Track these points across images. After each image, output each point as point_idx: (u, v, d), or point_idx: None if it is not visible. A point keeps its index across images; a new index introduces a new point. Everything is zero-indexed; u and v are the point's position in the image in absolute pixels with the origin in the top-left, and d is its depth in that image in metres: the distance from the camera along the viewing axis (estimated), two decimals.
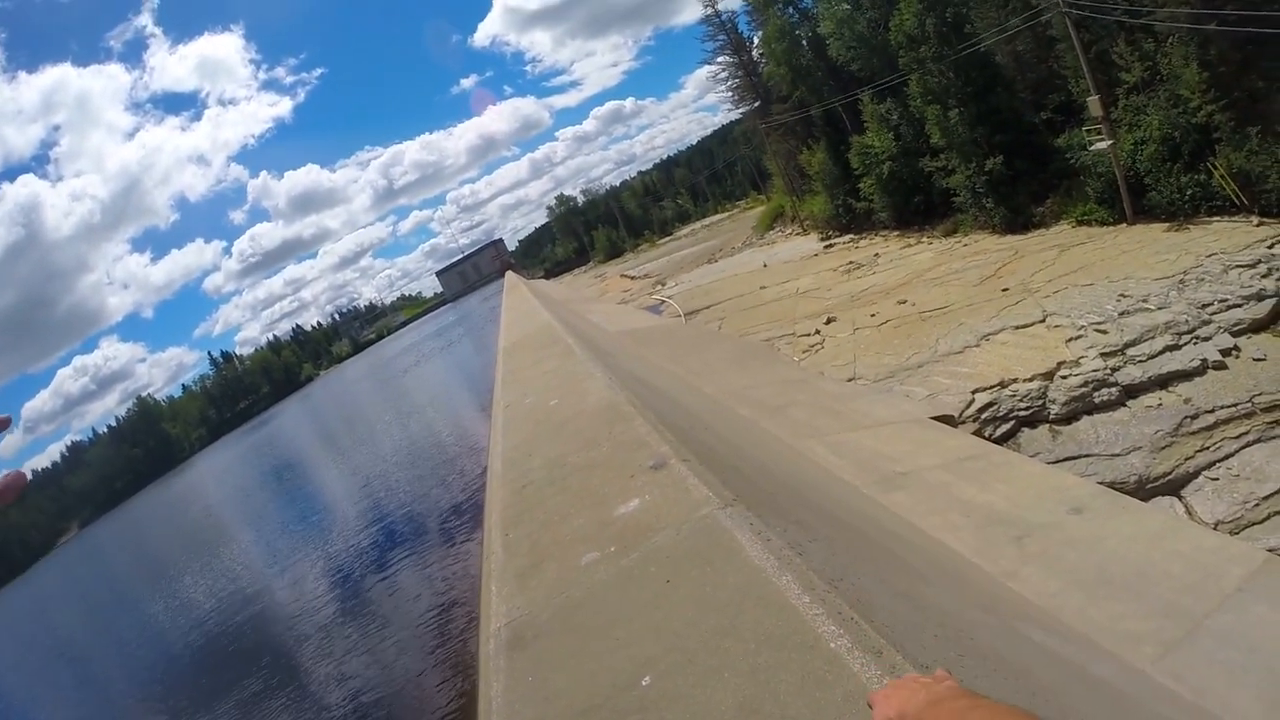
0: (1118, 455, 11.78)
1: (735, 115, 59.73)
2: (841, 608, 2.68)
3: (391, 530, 19.21)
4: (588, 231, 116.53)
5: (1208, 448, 11.41)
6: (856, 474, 8.97)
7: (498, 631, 3.60)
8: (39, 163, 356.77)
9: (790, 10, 41.25)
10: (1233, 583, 5.81)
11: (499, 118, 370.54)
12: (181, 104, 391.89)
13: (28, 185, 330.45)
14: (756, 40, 47.90)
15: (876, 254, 30.49)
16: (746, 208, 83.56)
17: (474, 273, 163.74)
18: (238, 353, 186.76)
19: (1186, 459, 11.31)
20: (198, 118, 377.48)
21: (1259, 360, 13.02)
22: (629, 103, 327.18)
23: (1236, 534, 9.54)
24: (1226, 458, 11.15)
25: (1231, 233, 17.86)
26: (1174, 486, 10.97)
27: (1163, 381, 13.17)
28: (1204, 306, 14.77)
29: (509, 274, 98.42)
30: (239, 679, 14.58)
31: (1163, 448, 11.62)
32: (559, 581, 3.84)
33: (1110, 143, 21.37)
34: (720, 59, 51.59)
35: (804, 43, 39.22)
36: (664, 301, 38.18)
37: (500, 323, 27.64)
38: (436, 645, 11.70)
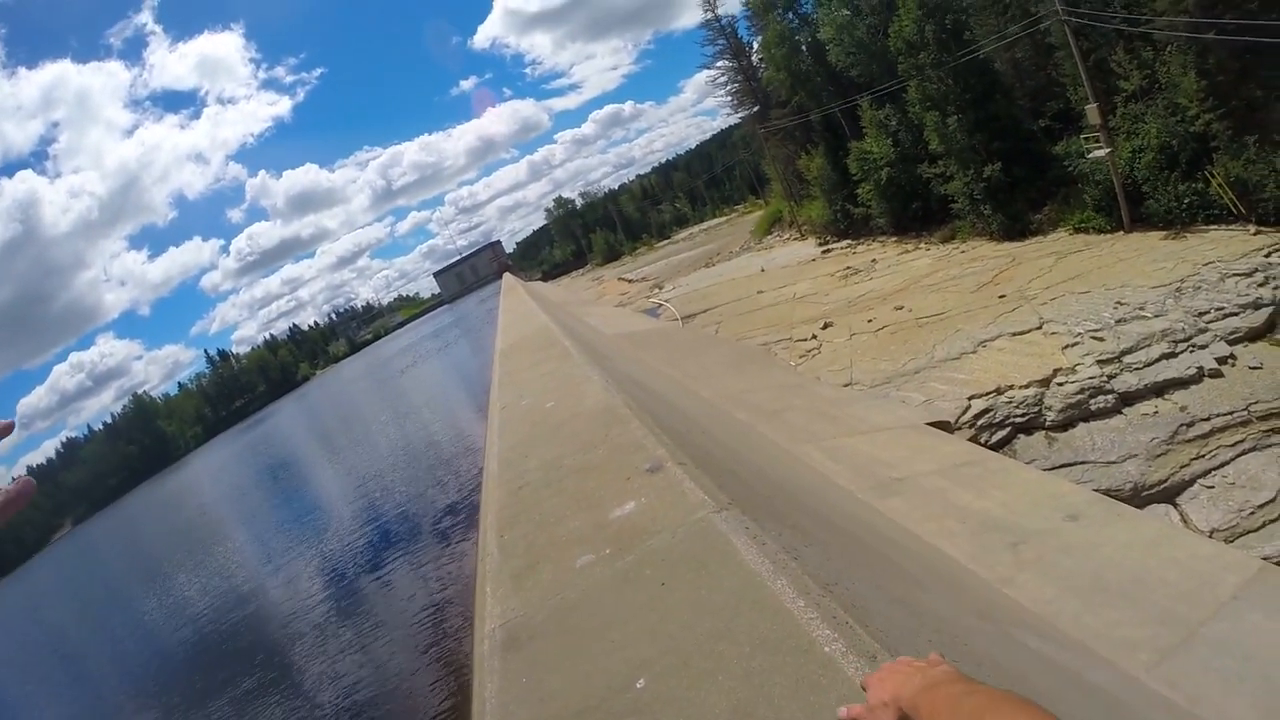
0: (1114, 462, 11.79)
1: (734, 120, 60.00)
2: (836, 612, 2.68)
3: (387, 530, 19.17)
4: (585, 234, 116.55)
5: (1203, 456, 11.42)
6: (852, 479, 8.96)
7: (492, 632, 3.59)
8: (38, 159, 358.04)
9: (790, 15, 41.31)
10: (1228, 591, 5.81)
11: (498, 120, 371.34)
12: (181, 102, 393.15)
13: (26, 181, 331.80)
14: (756, 45, 47.97)
15: (874, 260, 30.51)
16: (744, 212, 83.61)
17: (471, 274, 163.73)
18: (234, 351, 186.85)
19: (1182, 467, 11.31)
20: (197, 116, 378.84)
21: (1255, 368, 13.04)
22: (628, 106, 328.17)
23: (1232, 542, 9.55)
24: (1222, 466, 11.16)
25: (1228, 241, 17.90)
26: (1170, 494, 10.98)
27: (1159, 389, 13.19)
28: (1201, 314, 14.80)
29: (506, 276, 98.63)
30: (232, 678, 14.53)
31: (1159, 455, 11.63)
32: (554, 583, 3.84)
33: (1108, 150, 21.42)
34: (720, 63, 51.71)
35: (803, 48, 39.26)
36: (661, 305, 38.19)
37: (497, 324, 27.66)
38: (430, 646, 11.67)
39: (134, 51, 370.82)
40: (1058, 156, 24.38)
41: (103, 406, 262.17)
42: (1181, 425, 12.09)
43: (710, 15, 51.21)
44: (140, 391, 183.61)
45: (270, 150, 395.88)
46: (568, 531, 4.41)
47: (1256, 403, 12.08)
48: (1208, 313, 14.79)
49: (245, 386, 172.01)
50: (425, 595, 13.73)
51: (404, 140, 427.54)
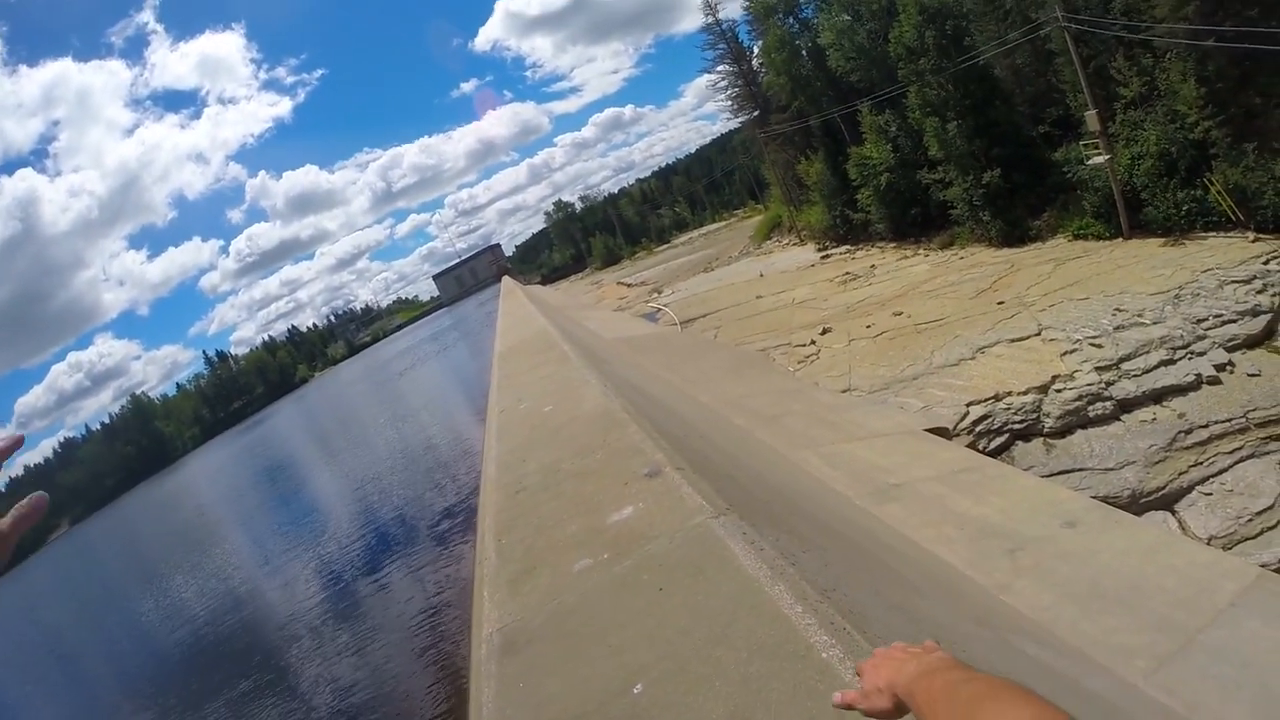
0: (1112, 469, 11.79)
1: (734, 124, 59.99)
2: (834, 618, 2.68)
3: (384, 533, 19.17)
4: (585, 238, 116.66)
5: (1201, 463, 11.43)
6: (850, 485, 8.96)
7: (490, 637, 3.58)
8: (38, 157, 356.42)
9: (790, 20, 41.41)
10: (1226, 598, 5.81)
11: (498, 122, 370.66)
12: (181, 102, 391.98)
13: (26, 179, 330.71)
14: (756, 50, 48.07)
15: (873, 265, 30.53)
16: (744, 217, 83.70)
17: (471, 277, 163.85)
18: (233, 352, 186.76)
19: (1180, 474, 11.32)
20: (197, 116, 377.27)
21: (1253, 375, 13.05)
22: (628, 110, 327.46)
23: (1230, 549, 9.55)
24: (1220, 473, 11.17)
25: (1227, 248, 17.93)
26: (1167, 501, 10.98)
27: (1157, 396, 13.19)
28: (1199, 322, 14.81)
29: (505, 279, 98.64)
30: (229, 680, 14.51)
31: (1156, 462, 11.63)
32: (552, 588, 3.83)
33: (1107, 157, 21.45)
34: (720, 68, 51.81)
35: (804, 53, 39.32)
36: (660, 309, 38.20)
37: (496, 327, 27.66)
38: (427, 650, 11.66)
39: (135, 50, 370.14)
40: (1057, 163, 24.42)
41: (101, 407, 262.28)
42: (1180, 432, 12.10)
43: (711, 19, 51.39)
44: (138, 392, 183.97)
45: (270, 151, 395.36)
46: (566, 536, 4.41)
47: (1255, 410, 12.09)
48: (1206, 320, 14.81)
49: (243, 388, 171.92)
50: (422, 599, 13.73)
51: (404, 142, 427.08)
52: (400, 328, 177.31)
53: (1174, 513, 10.79)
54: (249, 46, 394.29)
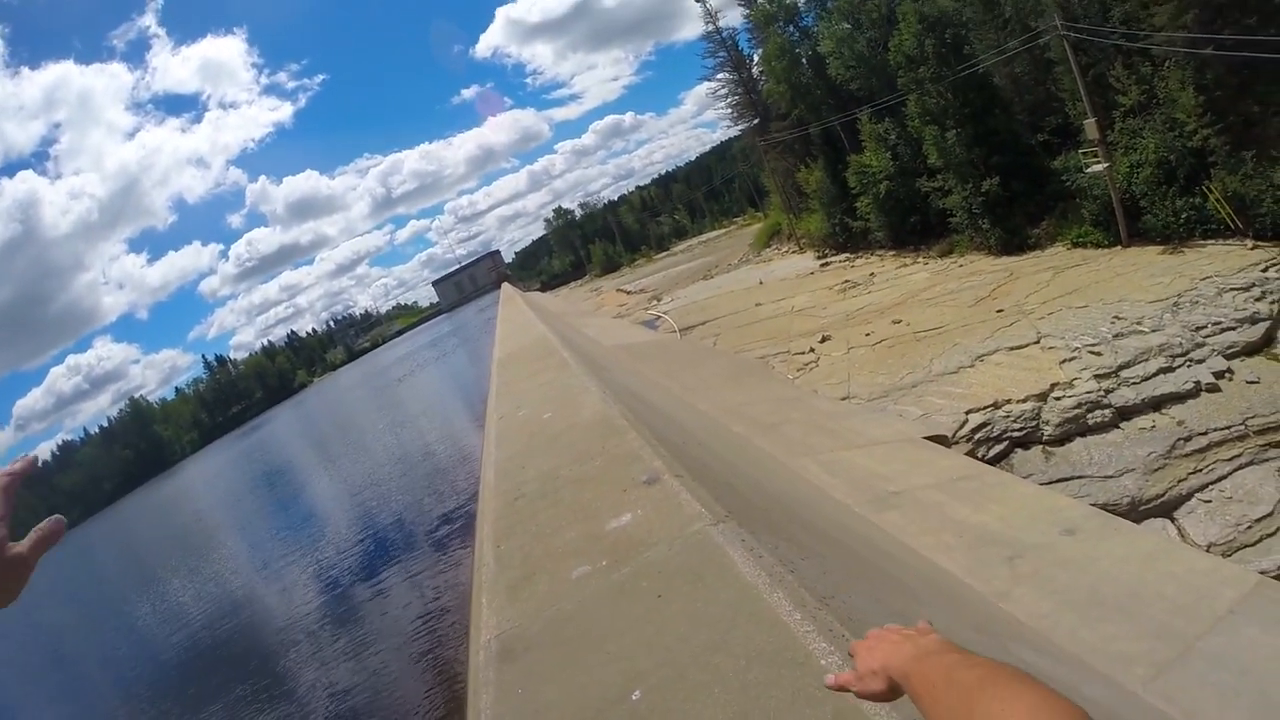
0: (1111, 477, 11.79)
1: (734, 132, 60.05)
2: (833, 625, 2.68)
3: (382, 539, 19.15)
4: (585, 245, 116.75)
5: (1200, 470, 11.43)
6: (849, 493, 8.95)
7: (488, 643, 3.58)
8: (38, 159, 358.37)
9: (790, 29, 41.55)
10: (1225, 605, 5.80)
11: (498, 129, 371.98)
12: (182, 105, 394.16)
13: (26, 181, 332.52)
14: (756, 58, 48.19)
15: (872, 273, 30.56)
16: (743, 225, 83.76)
17: (470, 284, 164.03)
18: (232, 357, 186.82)
19: (1179, 481, 11.31)
20: (198, 120, 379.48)
21: (1252, 383, 13.06)
22: (628, 117, 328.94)
23: (1229, 556, 9.54)
24: (1219, 480, 11.17)
25: (1226, 256, 17.95)
26: (1167, 508, 10.97)
27: (1156, 404, 13.20)
28: (1198, 329, 14.83)
29: (505, 286, 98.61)
30: (225, 685, 14.47)
31: (1156, 470, 11.63)
32: (550, 594, 3.83)
33: (1106, 165, 21.50)
34: (720, 75, 51.88)
35: (804, 61, 39.43)
36: (659, 317, 38.20)
37: (495, 334, 27.66)
38: (425, 656, 11.64)
39: (137, 54, 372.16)
40: (1056, 171, 24.47)
41: (99, 410, 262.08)
42: (1179, 440, 12.10)
43: (711, 28, 51.48)
44: (137, 395, 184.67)
45: (271, 156, 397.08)
46: (564, 542, 4.41)
47: (1253, 417, 12.09)
48: (1205, 327, 14.82)
49: (242, 393, 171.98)
50: (420, 605, 13.70)
51: (404, 148, 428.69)
52: (400, 334, 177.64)
53: (1173, 520, 10.78)
54: (250, 51, 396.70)
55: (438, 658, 11.24)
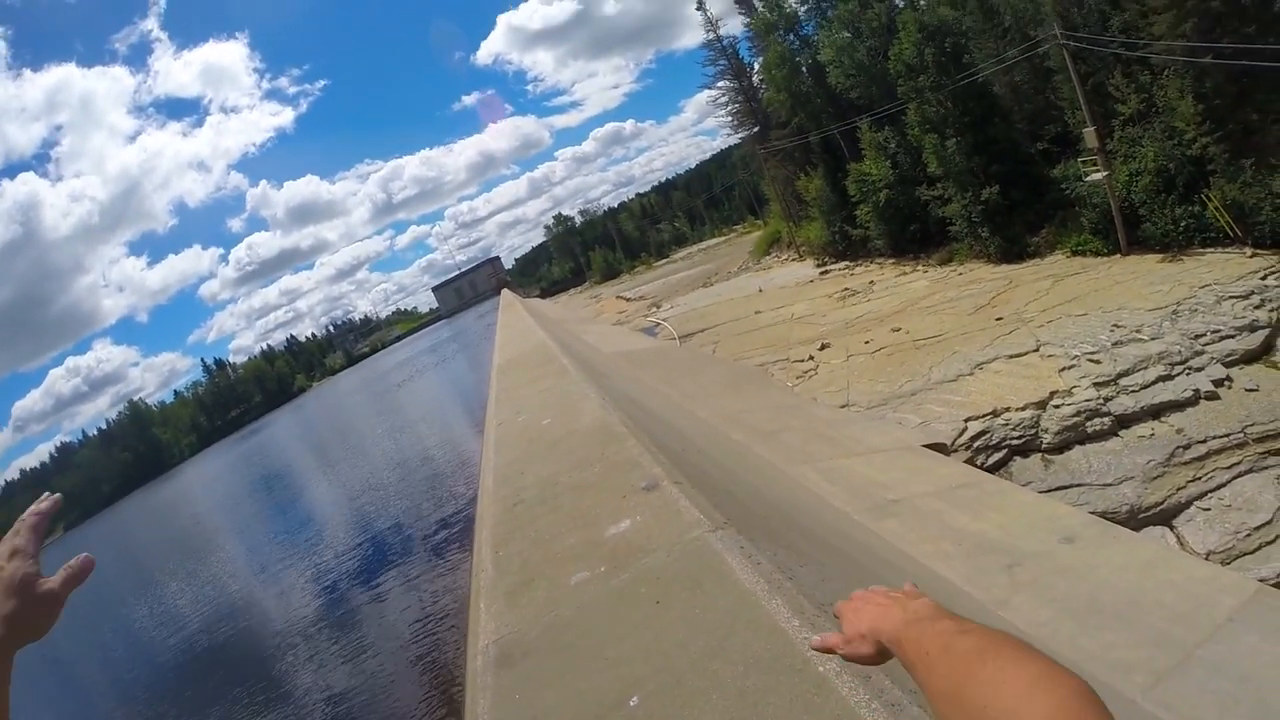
0: (1110, 485, 11.78)
1: (734, 140, 60.34)
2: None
3: (381, 544, 19.12)
4: (584, 252, 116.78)
5: (1200, 478, 11.43)
6: (849, 500, 8.96)
7: (486, 648, 3.57)
8: (40, 161, 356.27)
9: (791, 37, 41.63)
10: (1224, 613, 5.81)
11: (499, 135, 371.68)
12: (184, 109, 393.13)
13: (27, 183, 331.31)
14: (757, 66, 48.38)
15: (872, 281, 30.60)
16: (743, 232, 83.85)
17: (470, 290, 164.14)
18: (231, 361, 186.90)
19: (1178, 489, 11.32)
20: (200, 124, 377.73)
21: (1251, 391, 13.07)
22: (629, 124, 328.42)
23: (1228, 564, 9.54)
24: (1218, 488, 11.17)
25: (1225, 264, 17.99)
26: (1166, 516, 10.97)
27: (1155, 412, 13.20)
28: (1197, 337, 14.84)
29: (505, 292, 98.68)
30: (221, 690, 14.44)
31: (1155, 478, 11.63)
32: (549, 600, 3.82)
33: (1105, 174, 21.54)
34: (720, 83, 52.12)
35: (804, 70, 39.52)
36: (659, 324, 38.25)
37: (495, 340, 27.66)
38: (423, 661, 11.62)
39: (139, 57, 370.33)
40: (1055, 179, 24.51)
41: (98, 412, 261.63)
42: (1178, 448, 12.11)
43: (712, 36, 51.75)
44: (136, 398, 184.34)
45: (272, 160, 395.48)
46: (563, 548, 4.40)
47: (1253, 425, 12.10)
48: (1204, 335, 14.84)
49: (241, 396, 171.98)
50: (418, 610, 13.69)
51: (405, 154, 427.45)
52: (399, 339, 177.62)
53: (1172, 528, 10.78)
54: (252, 56, 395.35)
55: (435, 662, 11.23)
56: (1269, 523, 10.18)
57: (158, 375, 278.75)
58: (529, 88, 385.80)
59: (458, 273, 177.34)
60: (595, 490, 5.16)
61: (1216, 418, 12.62)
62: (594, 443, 6.38)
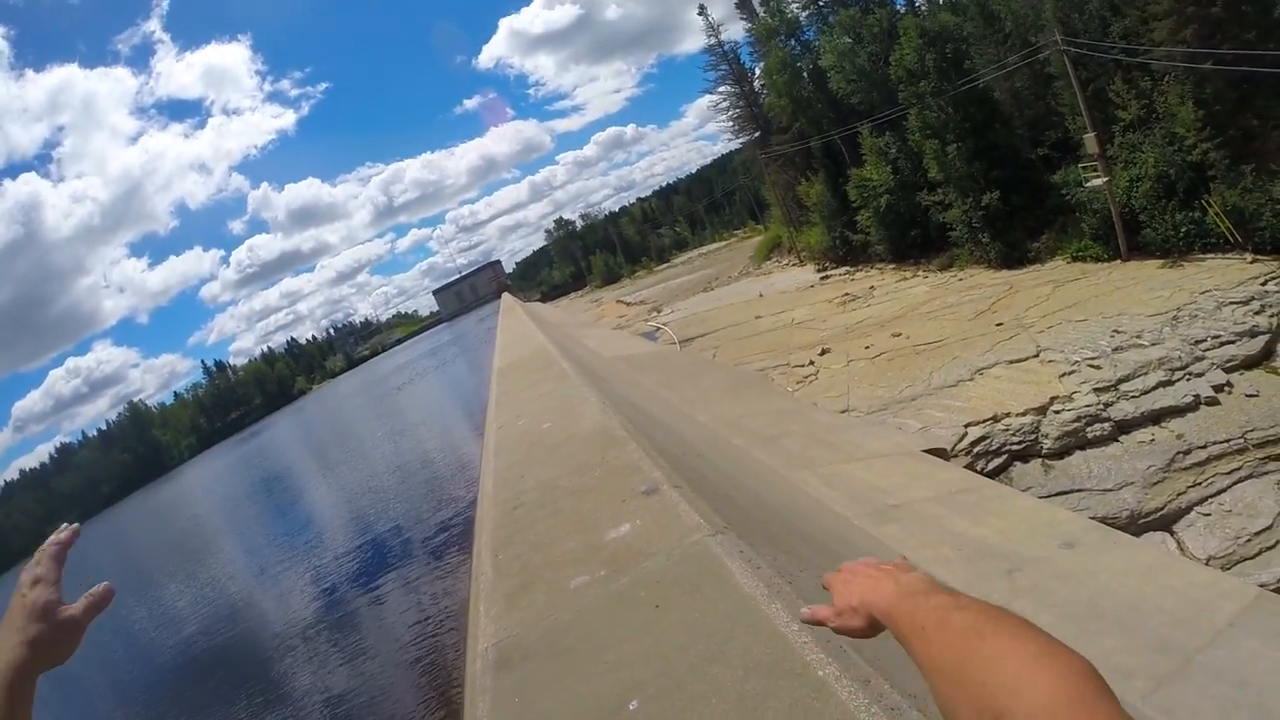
0: (1110, 490, 11.78)
1: (735, 145, 60.24)
2: (830, 636, 2.67)
3: (380, 547, 19.11)
4: (585, 256, 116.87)
5: (1200, 483, 11.43)
6: (849, 505, 8.95)
7: (485, 652, 3.57)
8: (41, 162, 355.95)
9: (792, 42, 41.74)
10: (1224, 618, 5.80)
11: (500, 139, 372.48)
12: (186, 111, 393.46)
13: (29, 184, 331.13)
14: (758, 71, 48.48)
15: (872, 286, 30.61)
16: (744, 237, 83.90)
17: (470, 293, 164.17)
18: (231, 363, 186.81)
19: (1179, 494, 11.31)
20: (201, 125, 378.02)
21: (1251, 396, 13.07)
22: (630, 129, 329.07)
23: (1228, 569, 9.53)
24: (1219, 493, 11.17)
25: (1225, 270, 17.99)
26: (1166, 522, 10.97)
27: (1155, 417, 13.20)
28: (1197, 343, 14.85)
29: (505, 296, 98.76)
30: (219, 693, 14.42)
31: (1155, 483, 11.63)
32: (548, 604, 3.82)
33: (1106, 180, 21.56)
34: (722, 88, 52.18)
35: (805, 75, 39.60)
36: (659, 328, 38.22)
37: (495, 344, 27.65)
38: (422, 664, 11.61)
39: (141, 59, 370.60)
40: (1056, 185, 24.56)
41: (98, 413, 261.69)
42: (1178, 453, 12.10)
43: (713, 41, 51.89)
44: (136, 399, 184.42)
45: (273, 163, 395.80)
46: (563, 552, 4.40)
47: (1253, 430, 12.10)
48: (1204, 341, 14.84)
49: (241, 398, 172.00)
50: (418, 613, 13.67)
51: (406, 157, 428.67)
52: (399, 342, 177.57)
53: (1172, 533, 10.78)
54: (254, 58, 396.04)
55: (434, 665, 11.21)
56: (1269, 528, 10.18)
57: (158, 377, 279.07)
58: (530, 92, 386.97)
59: (458, 276, 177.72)
60: (595, 494, 5.16)
61: (1217, 423, 12.62)
62: (594, 447, 6.37)
